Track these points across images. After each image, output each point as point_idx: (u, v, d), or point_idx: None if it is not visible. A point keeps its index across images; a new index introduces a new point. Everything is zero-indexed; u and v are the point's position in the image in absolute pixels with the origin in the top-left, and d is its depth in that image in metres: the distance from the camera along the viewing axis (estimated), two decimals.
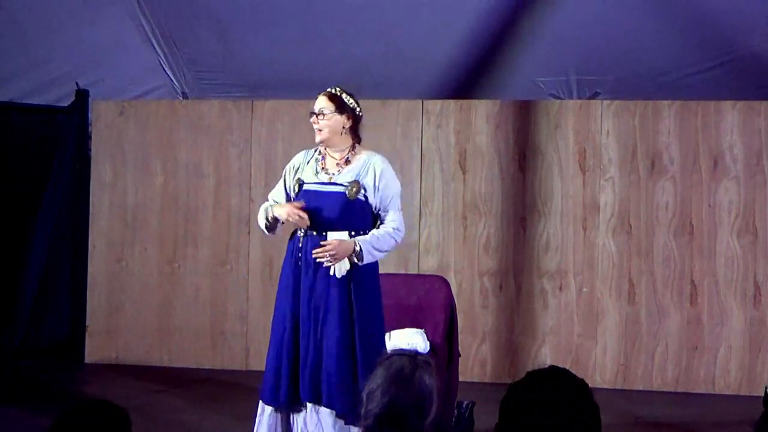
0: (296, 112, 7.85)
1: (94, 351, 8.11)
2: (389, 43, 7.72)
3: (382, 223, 4.85)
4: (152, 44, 8.14)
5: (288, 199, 4.91)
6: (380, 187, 4.82)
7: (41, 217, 8.18)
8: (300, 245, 4.78)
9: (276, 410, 4.83)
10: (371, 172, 4.83)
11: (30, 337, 8.13)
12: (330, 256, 4.67)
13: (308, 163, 4.91)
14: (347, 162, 4.86)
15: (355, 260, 4.72)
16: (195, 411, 6.54)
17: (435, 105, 7.77)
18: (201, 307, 7.98)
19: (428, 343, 5.74)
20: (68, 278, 8.33)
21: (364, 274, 4.78)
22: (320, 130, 4.83)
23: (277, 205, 4.87)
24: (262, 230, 4.94)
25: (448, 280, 6.55)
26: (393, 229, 4.81)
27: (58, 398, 6.74)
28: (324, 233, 4.74)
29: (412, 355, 2.97)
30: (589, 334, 7.49)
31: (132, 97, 8.42)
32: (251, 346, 7.85)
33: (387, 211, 4.84)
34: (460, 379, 6.30)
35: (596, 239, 7.50)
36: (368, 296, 4.81)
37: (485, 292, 7.62)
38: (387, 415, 2.84)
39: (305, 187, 4.84)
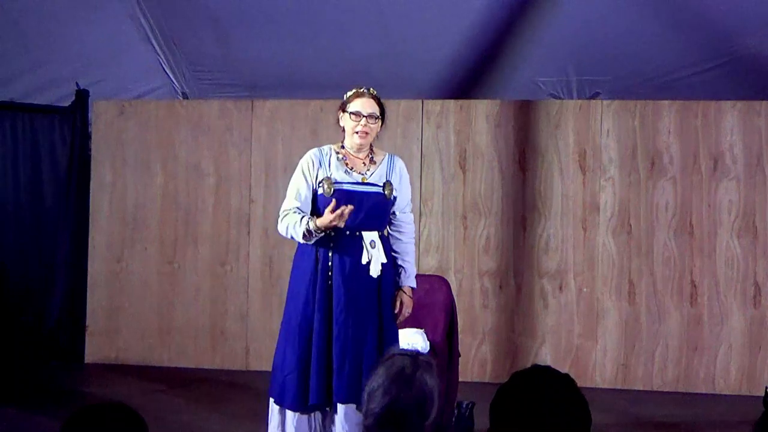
0: (296, 112, 7.87)
1: (94, 351, 8.11)
2: (389, 43, 7.72)
3: (395, 222, 4.87)
4: (152, 44, 8.13)
5: (317, 198, 4.74)
6: (402, 188, 4.84)
7: (61, 223, 8.18)
8: (331, 244, 4.67)
9: (302, 413, 4.70)
10: (396, 172, 4.81)
11: (35, 339, 8.14)
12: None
13: (330, 162, 4.76)
14: (372, 161, 4.81)
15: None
16: (195, 411, 6.54)
17: (435, 105, 7.77)
18: (201, 307, 7.97)
19: (428, 343, 5.73)
20: (68, 278, 8.32)
21: (388, 271, 4.79)
22: (367, 134, 4.73)
23: (314, 219, 4.63)
24: (297, 240, 4.75)
25: (448, 280, 6.55)
26: (413, 237, 4.94)
27: (58, 398, 6.72)
28: (357, 233, 4.68)
29: (413, 355, 2.97)
30: (589, 334, 7.49)
31: (132, 97, 8.41)
32: (251, 346, 7.85)
33: (404, 213, 4.87)
34: (460, 379, 6.29)
35: (596, 239, 7.50)
36: (392, 293, 4.84)
37: (485, 292, 7.62)
38: (388, 415, 2.84)
39: (339, 186, 4.70)
